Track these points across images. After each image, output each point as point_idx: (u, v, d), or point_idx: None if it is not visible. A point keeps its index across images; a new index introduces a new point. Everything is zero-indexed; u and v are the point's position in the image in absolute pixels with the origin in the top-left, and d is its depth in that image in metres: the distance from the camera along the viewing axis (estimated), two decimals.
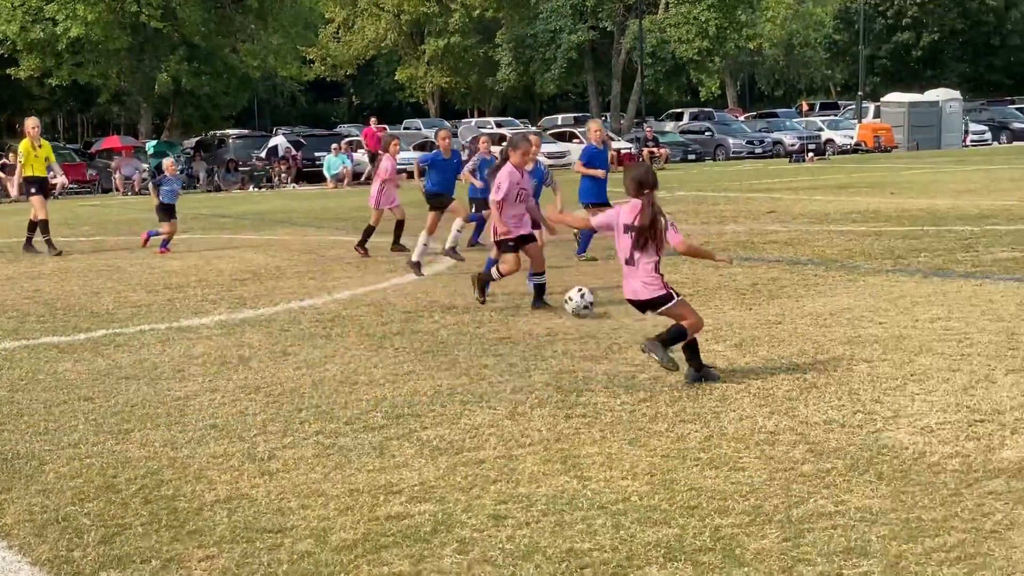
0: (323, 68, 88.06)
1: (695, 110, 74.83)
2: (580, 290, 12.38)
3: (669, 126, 67.64)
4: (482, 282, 13.25)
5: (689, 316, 9.18)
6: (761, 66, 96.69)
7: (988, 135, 64.82)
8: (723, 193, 32.92)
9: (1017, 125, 66.89)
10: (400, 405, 8.74)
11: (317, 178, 50.17)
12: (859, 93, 70.59)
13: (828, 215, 23.90)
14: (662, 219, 9.03)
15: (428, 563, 5.58)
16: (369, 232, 19.46)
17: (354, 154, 50.33)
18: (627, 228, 9.11)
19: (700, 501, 6.29)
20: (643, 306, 9.33)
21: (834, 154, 58.58)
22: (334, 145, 50.15)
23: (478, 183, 19.35)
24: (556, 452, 7.34)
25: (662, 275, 9.24)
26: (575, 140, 56.89)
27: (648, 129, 56.59)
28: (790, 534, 5.77)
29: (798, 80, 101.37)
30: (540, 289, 13.15)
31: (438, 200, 17.86)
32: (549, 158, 55.17)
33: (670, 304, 9.19)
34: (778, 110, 78.44)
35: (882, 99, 66.75)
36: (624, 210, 9.22)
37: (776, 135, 61.53)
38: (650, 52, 69.51)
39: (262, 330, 12.33)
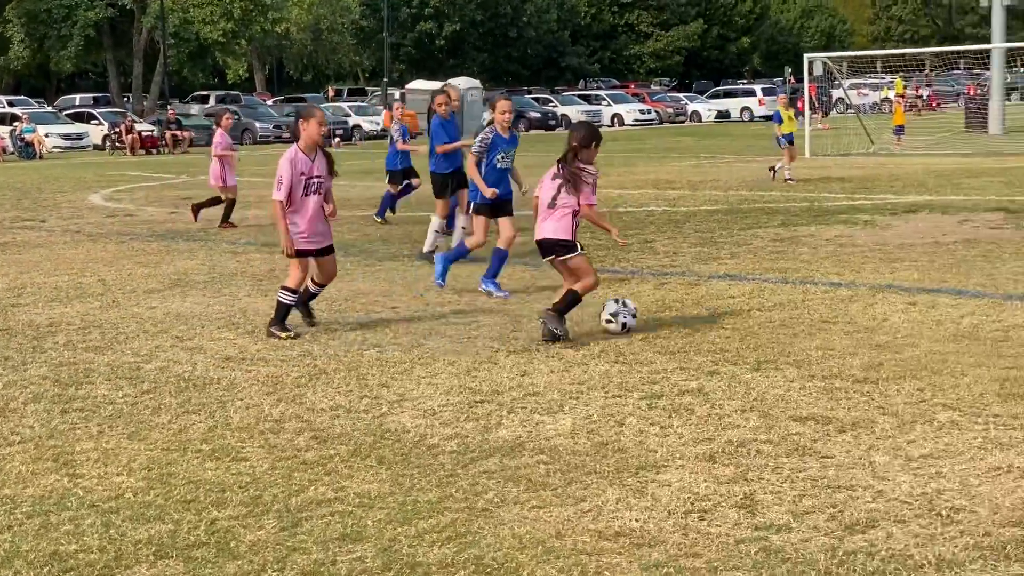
0: None
1: (222, 93, 73.78)
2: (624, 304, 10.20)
3: (195, 109, 66.37)
4: (297, 305, 10.48)
5: (587, 274, 9.92)
6: (289, 50, 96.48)
7: None
8: (247, 178, 32.58)
9: (533, 114, 70.12)
10: None
11: None
12: (385, 80, 71.93)
13: (351, 200, 24.10)
14: (587, 174, 9.85)
15: None
16: (230, 207, 19.63)
17: None
18: (554, 176, 9.93)
19: (198, 494, 6.12)
20: (550, 248, 9.92)
21: (361, 139, 59.32)
22: None
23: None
24: (48, 450, 6.96)
25: (576, 227, 9.94)
26: (94, 121, 54.86)
27: (171, 111, 55.29)
28: (287, 523, 5.70)
29: (327, 65, 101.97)
30: (310, 299, 10.74)
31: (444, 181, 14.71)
32: (66, 140, 52.96)
33: (573, 255, 9.88)
34: (306, 95, 78.67)
35: (407, 86, 68.22)
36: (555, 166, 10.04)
37: None
38: (173, 32, 68.01)
39: None
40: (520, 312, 11.11)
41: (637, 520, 5.68)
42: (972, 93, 54.25)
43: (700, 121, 73.85)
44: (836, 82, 44.42)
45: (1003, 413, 7.25)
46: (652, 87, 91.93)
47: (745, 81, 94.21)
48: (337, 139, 55.17)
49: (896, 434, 6.91)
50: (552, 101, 73.96)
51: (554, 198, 9.90)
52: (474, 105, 64.81)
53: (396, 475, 6.42)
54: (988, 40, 48.07)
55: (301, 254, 10.21)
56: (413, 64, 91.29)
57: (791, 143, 26.24)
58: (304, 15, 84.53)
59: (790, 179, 25.48)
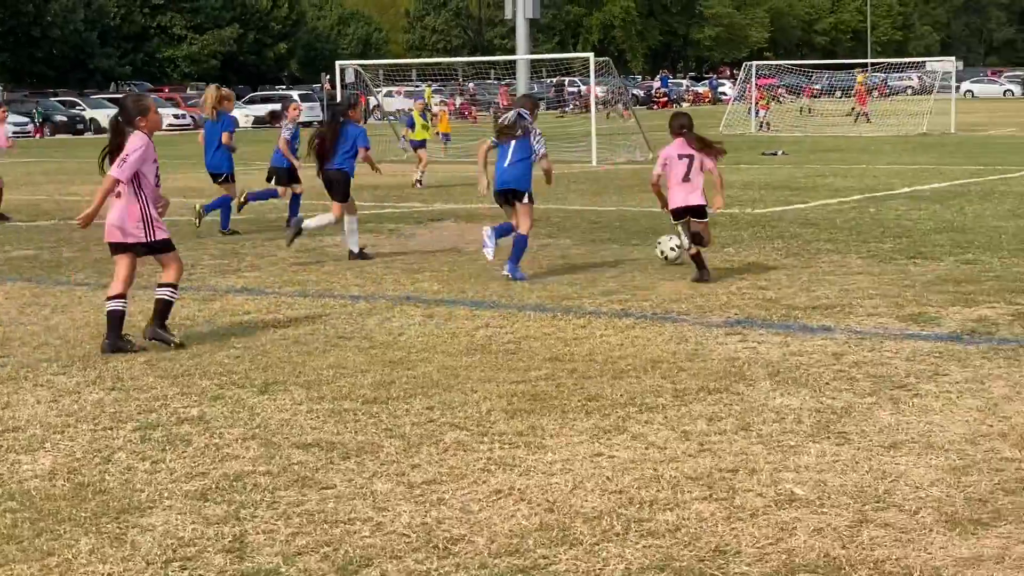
0: None
1: None
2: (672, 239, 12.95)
3: None
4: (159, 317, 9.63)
5: (708, 232, 12.20)
6: None
7: (31, 127, 64.19)
8: None
9: (60, 117, 66.98)
10: None
11: None
12: None
13: None
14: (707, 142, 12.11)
15: None
16: None
17: None
18: (681, 156, 11.96)
19: None
20: (691, 212, 11.98)
21: None
22: None
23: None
24: None
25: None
26: None
27: None
28: None
29: None
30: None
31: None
32: None
33: (705, 219, 12.11)
34: None
35: None
36: (672, 147, 12.10)
37: None
38: None
39: None
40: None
41: (110, 573, 5.09)
42: (505, 103, 56.15)
43: (238, 126, 72.69)
44: (368, 89, 44.67)
45: (509, 431, 7.11)
46: (188, 91, 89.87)
47: (283, 87, 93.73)
48: None
49: (401, 458, 6.62)
50: (80, 104, 70.87)
51: (687, 174, 11.91)
52: None
53: None
54: (515, 51, 49.79)
55: (167, 245, 9.71)
56: None
57: (423, 147, 25.98)
58: None
59: (419, 182, 25.45)
